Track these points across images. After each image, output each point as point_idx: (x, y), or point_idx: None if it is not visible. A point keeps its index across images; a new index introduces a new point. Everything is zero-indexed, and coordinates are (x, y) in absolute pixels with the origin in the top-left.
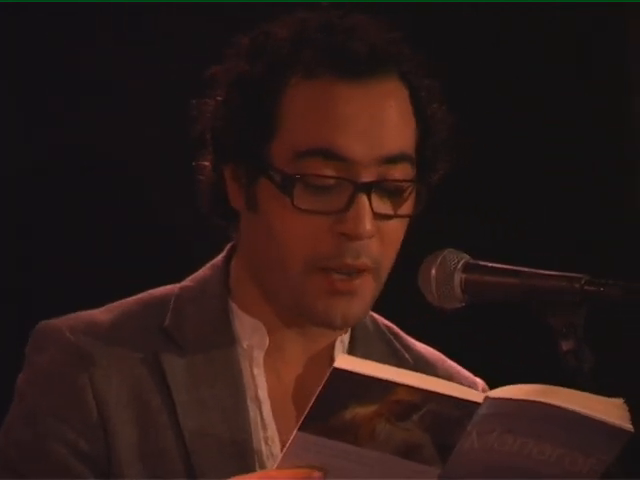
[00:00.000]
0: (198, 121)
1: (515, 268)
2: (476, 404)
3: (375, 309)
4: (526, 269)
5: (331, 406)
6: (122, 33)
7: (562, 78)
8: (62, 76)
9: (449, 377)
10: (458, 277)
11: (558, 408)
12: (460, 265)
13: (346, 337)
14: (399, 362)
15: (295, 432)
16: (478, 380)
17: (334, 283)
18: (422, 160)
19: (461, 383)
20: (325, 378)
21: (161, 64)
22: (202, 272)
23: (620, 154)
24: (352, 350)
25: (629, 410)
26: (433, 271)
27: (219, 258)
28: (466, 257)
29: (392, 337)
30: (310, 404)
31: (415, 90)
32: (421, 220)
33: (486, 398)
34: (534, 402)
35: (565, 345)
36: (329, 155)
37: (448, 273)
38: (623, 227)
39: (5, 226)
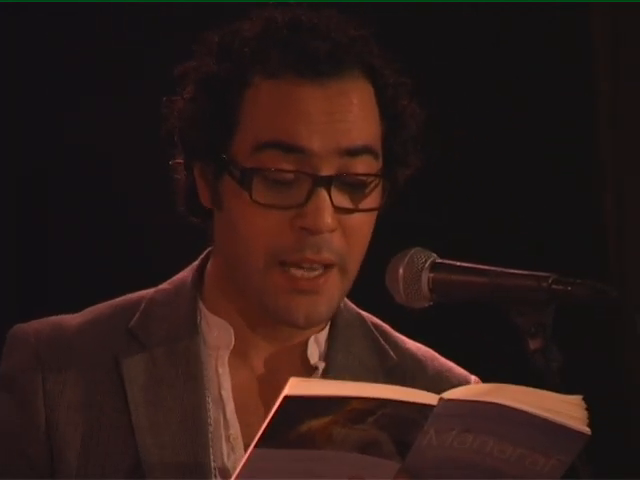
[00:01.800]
0: (168, 119)
1: (483, 267)
2: (430, 407)
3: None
4: (494, 268)
5: (285, 426)
6: (122, 33)
7: (533, 76)
8: (62, 76)
9: (439, 375)
10: (426, 276)
11: (513, 409)
12: (428, 264)
13: (322, 335)
14: (382, 360)
15: (251, 449)
16: (473, 377)
17: (296, 282)
18: (390, 155)
19: (451, 381)
20: (277, 404)
21: (161, 64)
22: (180, 275)
23: (590, 154)
24: (330, 347)
25: (588, 409)
26: (400, 270)
27: (197, 261)
28: (434, 256)
29: (378, 335)
30: (263, 426)
31: (381, 87)
32: (391, 218)
33: (440, 399)
34: (490, 403)
35: (533, 344)
36: (287, 147)
37: (415, 272)
38: (594, 227)
39: (4, 226)
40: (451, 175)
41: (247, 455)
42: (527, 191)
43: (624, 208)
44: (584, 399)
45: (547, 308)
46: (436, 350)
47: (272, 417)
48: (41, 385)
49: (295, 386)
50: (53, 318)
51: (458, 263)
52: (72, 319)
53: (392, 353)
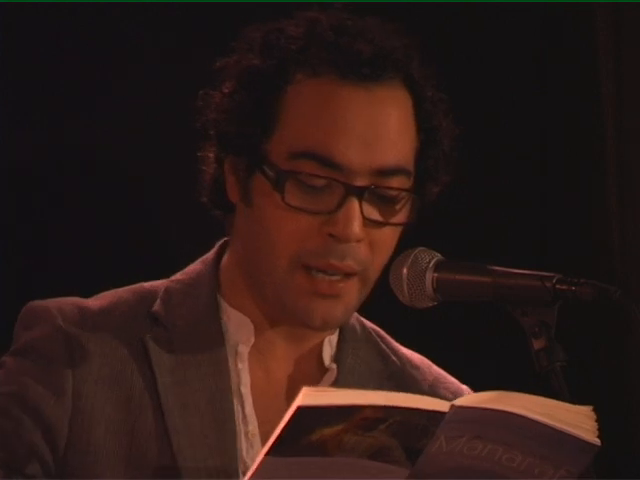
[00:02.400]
0: (203, 112)
1: (487, 267)
2: (442, 413)
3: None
4: (498, 268)
5: (297, 435)
6: (122, 34)
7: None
8: (62, 75)
9: (437, 381)
10: (430, 276)
11: (524, 418)
12: (432, 264)
13: (334, 338)
14: (386, 363)
15: (261, 457)
16: (464, 387)
17: (317, 284)
18: (422, 171)
19: (448, 388)
20: (289, 414)
21: (160, 64)
22: (192, 267)
23: (593, 153)
24: (341, 350)
25: (597, 419)
26: (404, 270)
27: (210, 253)
28: (438, 256)
29: (379, 339)
30: (275, 434)
31: (420, 99)
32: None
33: (452, 406)
34: (500, 411)
35: (537, 344)
36: (323, 161)
37: (419, 272)
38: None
39: (4, 225)
40: (455, 174)
41: (257, 463)
42: (530, 190)
43: (628, 207)
44: (594, 409)
45: (551, 308)
46: (440, 351)
47: (284, 427)
48: (69, 357)
49: (308, 396)
50: (70, 298)
51: (463, 263)
52: (91, 301)
53: (394, 358)
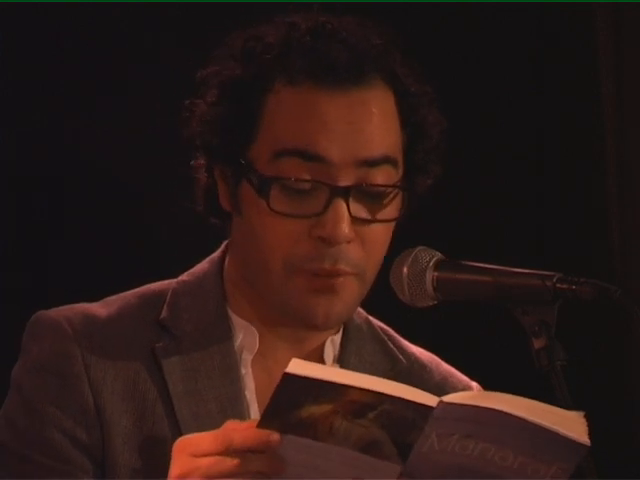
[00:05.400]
0: (189, 122)
1: (487, 266)
2: (429, 407)
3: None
4: (498, 267)
5: (286, 406)
6: (122, 34)
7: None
8: (61, 76)
9: (444, 380)
10: (430, 275)
11: (512, 416)
12: (432, 263)
13: (337, 337)
14: (392, 363)
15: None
16: (474, 384)
17: (315, 282)
18: (411, 165)
19: (456, 386)
20: (278, 382)
21: (160, 65)
22: (200, 267)
23: (592, 153)
24: (344, 350)
25: (588, 424)
26: (405, 269)
27: (216, 254)
28: (438, 255)
29: (386, 338)
30: (266, 405)
31: (402, 95)
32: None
33: (440, 402)
34: (490, 409)
35: (537, 343)
36: (306, 155)
37: (420, 271)
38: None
39: (4, 225)
40: (453, 174)
41: None
42: (527, 190)
43: (628, 207)
44: (586, 416)
45: (551, 307)
46: (441, 350)
47: (273, 395)
48: (84, 371)
49: (296, 365)
50: (77, 306)
51: (463, 262)
52: (97, 308)
53: (401, 357)
